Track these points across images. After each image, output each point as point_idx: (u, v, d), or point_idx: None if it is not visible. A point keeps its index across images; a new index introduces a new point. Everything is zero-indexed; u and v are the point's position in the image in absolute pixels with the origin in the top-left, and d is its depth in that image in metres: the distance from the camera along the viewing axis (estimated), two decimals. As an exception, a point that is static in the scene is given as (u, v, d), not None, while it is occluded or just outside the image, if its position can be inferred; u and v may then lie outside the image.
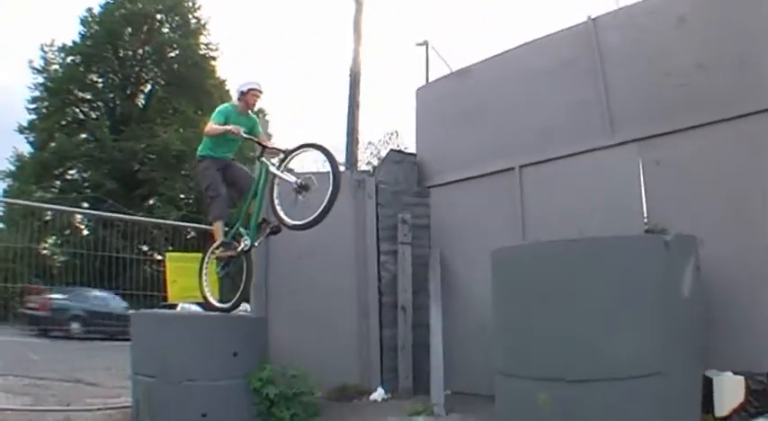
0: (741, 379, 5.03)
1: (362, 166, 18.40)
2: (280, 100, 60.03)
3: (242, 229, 6.28)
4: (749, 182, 5.41)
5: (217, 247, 6.35)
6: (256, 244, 6.25)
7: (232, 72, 40.09)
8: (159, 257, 8.89)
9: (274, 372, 6.13)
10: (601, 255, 4.65)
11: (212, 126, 6.19)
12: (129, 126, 30.28)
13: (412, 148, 8.31)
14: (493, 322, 5.27)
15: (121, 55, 31.98)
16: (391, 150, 8.77)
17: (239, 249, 6.19)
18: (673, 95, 5.80)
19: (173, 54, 32.71)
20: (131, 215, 11.59)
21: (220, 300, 6.47)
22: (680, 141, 5.69)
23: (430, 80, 7.77)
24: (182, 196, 30.19)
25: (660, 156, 5.77)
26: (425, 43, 22.71)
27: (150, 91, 33.20)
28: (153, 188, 29.85)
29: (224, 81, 33.08)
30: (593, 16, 6.59)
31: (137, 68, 32.64)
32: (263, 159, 6.15)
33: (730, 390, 5.01)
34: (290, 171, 6.10)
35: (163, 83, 32.94)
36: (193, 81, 31.96)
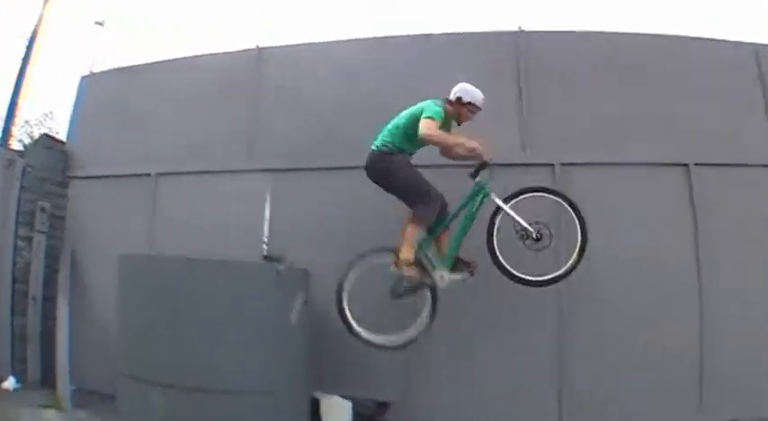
0: (348, 403, 5.63)
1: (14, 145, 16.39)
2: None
3: (431, 256, 5.26)
4: (366, 224, 6.01)
5: (407, 262, 5.05)
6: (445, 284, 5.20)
7: None
8: None
9: None
10: (219, 276, 4.91)
11: (441, 133, 5.14)
12: None
13: (64, 133, 7.83)
14: (118, 324, 5.34)
15: None
16: (44, 134, 8.17)
17: (434, 282, 5.20)
18: (313, 137, 6.29)
19: None
20: None
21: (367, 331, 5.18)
22: (310, 180, 6.16)
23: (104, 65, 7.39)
24: None
25: (288, 190, 6.17)
26: (102, 23, 20.72)
27: None
28: None
29: None
30: (261, 45, 6.84)
31: None
32: (481, 180, 5.26)
33: (336, 412, 5.59)
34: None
35: None
36: None
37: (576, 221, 5.05)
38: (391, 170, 5.22)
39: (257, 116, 6.52)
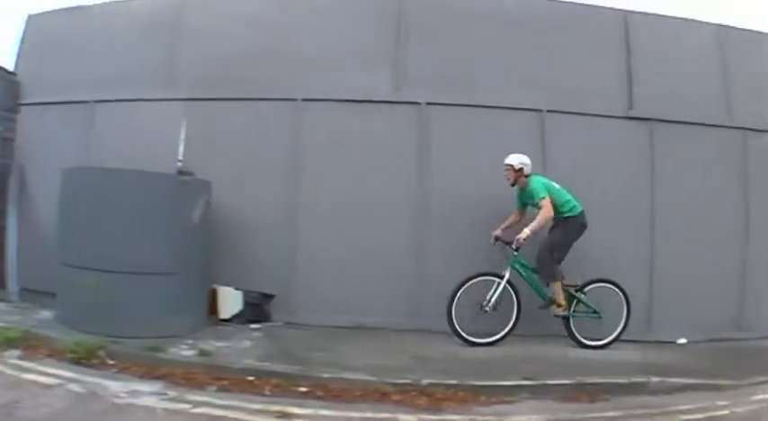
0: (239, 293, 6.95)
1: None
2: None
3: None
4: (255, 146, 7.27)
5: (560, 303, 6.59)
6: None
7: None
8: None
9: None
10: (135, 184, 6.12)
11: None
12: None
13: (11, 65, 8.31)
14: (59, 225, 6.41)
15: None
16: (-2, 66, 8.92)
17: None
18: (224, 72, 7.32)
19: None
20: None
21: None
22: (220, 109, 7.31)
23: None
24: None
25: (206, 115, 7.24)
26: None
27: None
28: None
29: None
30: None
31: None
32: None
33: (230, 300, 6.94)
34: None
35: None
36: None
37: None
38: None
39: (177, 53, 7.52)
